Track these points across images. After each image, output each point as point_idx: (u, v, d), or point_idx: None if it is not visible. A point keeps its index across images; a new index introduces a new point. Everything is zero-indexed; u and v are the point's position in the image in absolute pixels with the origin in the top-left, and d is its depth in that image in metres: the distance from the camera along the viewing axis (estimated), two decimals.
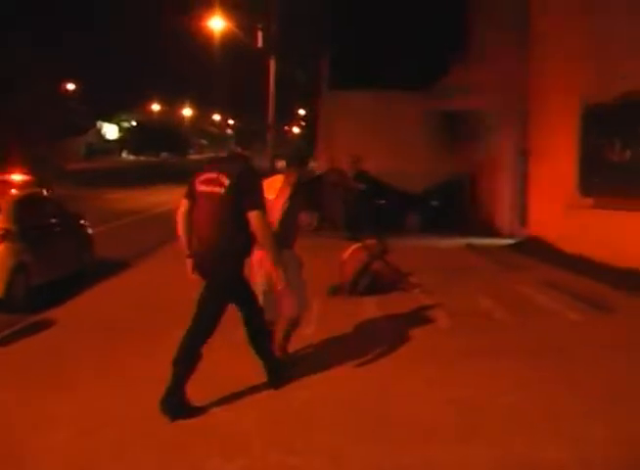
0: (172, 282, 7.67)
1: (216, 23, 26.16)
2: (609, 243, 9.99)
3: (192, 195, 4.62)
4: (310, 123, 33.46)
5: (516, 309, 7.42)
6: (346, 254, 9.01)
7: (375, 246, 8.80)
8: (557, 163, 12.14)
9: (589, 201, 10.71)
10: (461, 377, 5.19)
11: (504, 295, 8.24)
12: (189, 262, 4.69)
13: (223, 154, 5.59)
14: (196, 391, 4.49)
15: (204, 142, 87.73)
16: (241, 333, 4.85)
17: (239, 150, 12.22)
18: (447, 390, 4.90)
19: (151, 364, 5.26)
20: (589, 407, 4.54)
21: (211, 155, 78.11)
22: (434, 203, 18.96)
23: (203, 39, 30.33)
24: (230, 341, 5.26)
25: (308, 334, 6.30)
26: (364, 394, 4.87)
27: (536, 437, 4.08)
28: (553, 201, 12.03)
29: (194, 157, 66.99)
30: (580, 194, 10.91)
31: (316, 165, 22.03)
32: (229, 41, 28.17)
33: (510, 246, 14.06)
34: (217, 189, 4.47)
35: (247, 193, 4.44)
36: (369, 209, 15.44)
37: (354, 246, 9.12)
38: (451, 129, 20.04)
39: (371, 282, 8.47)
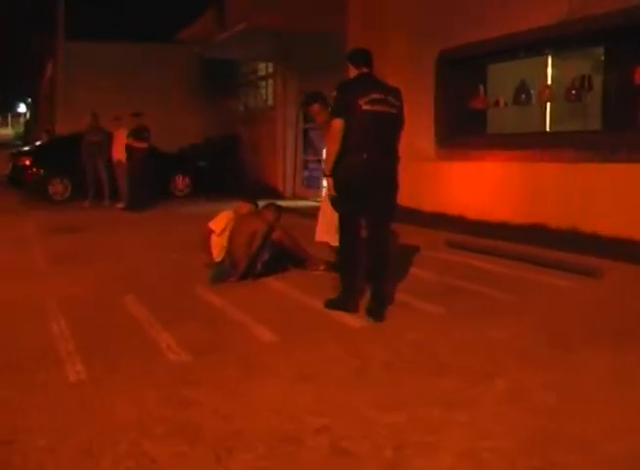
0: None
1: None
2: (462, 196, 9.21)
3: (350, 114, 4.62)
4: None
5: (489, 282, 5.99)
6: (220, 224, 6.80)
7: (268, 211, 6.73)
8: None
9: (446, 152, 9.76)
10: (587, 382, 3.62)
11: (435, 265, 6.77)
12: (330, 181, 4.82)
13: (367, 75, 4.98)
14: None
15: None
16: None
17: None
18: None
19: None
20: None
21: None
22: (202, 163, 16.93)
23: None
24: None
25: (271, 342, 4.55)
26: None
27: None
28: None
29: None
30: (436, 146, 9.86)
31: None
32: None
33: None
34: (392, 110, 4.76)
35: (403, 113, 4.87)
36: (151, 171, 12.90)
37: (227, 213, 6.96)
38: (218, 82, 18.08)
39: (270, 257, 6.42)
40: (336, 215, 5.35)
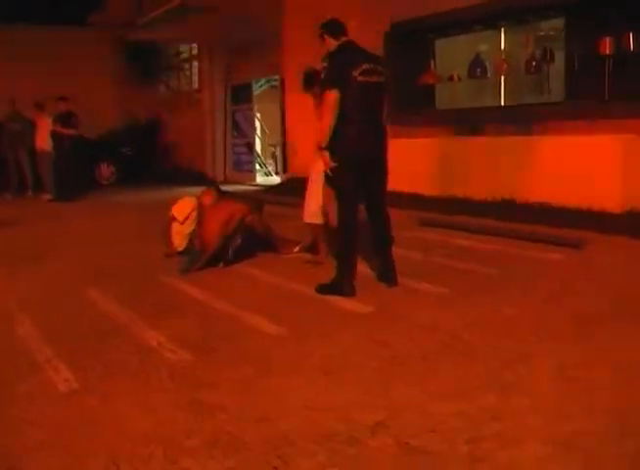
0: None
1: None
2: (417, 174, 9.05)
3: (345, 85, 4.52)
4: None
5: (477, 259, 5.81)
6: (183, 212, 6.41)
7: (248, 199, 6.46)
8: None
9: (397, 129, 9.49)
10: None
11: (415, 244, 6.53)
12: (326, 154, 4.67)
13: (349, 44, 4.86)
14: None
15: None
16: None
17: None
18: None
19: None
20: None
21: None
22: (126, 150, 16.17)
23: None
24: None
25: (278, 334, 4.14)
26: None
27: None
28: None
29: None
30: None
31: None
32: None
33: (274, 188, 12.36)
34: (381, 78, 4.68)
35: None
36: (80, 160, 12.13)
37: (190, 200, 6.59)
38: (139, 66, 17.22)
39: (242, 242, 6.04)
40: (323, 194, 5.42)
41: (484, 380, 3.23)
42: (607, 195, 6.59)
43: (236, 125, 16.21)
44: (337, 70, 4.61)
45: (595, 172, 6.76)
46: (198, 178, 15.62)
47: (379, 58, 4.87)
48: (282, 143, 14.16)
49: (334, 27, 4.86)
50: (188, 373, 3.55)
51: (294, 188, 10.72)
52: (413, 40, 9.01)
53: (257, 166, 16.07)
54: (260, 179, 15.54)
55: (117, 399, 3.25)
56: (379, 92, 4.73)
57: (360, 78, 4.56)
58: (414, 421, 2.85)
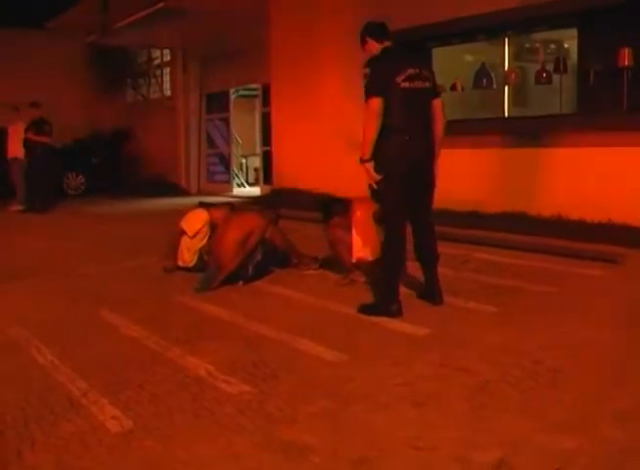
0: None
1: None
2: None
3: (388, 92, 4.24)
4: None
5: (512, 275, 5.59)
6: (194, 226, 6.04)
7: (266, 211, 6.11)
8: (326, 104, 10.36)
9: None
10: None
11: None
12: (370, 166, 4.33)
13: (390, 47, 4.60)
14: None
15: None
16: None
17: None
18: None
19: None
20: None
21: None
22: (94, 160, 15.62)
23: None
24: None
25: (338, 361, 3.78)
26: None
27: None
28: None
29: None
30: None
31: None
32: None
33: (260, 199, 11.96)
34: (427, 84, 4.43)
35: (436, 83, 4.56)
36: (53, 169, 11.58)
37: (201, 213, 6.25)
38: (109, 72, 16.62)
39: (262, 258, 5.70)
40: None
41: (594, 408, 2.98)
42: (628, 208, 6.47)
43: (209, 135, 15.79)
44: (379, 77, 4.33)
45: (615, 186, 6.65)
46: (171, 189, 15.17)
47: (424, 61, 4.63)
48: (263, 153, 13.81)
49: (378, 30, 4.59)
50: (257, 407, 3.19)
51: (280, 200, 10.39)
52: (412, 48, 8.75)
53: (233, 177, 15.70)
54: (236, 191, 15.15)
55: (186, 440, 2.87)
56: (425, 99, 4.43)
57: (404, 85, 4.29)
58: (539, 459, 2.57)
